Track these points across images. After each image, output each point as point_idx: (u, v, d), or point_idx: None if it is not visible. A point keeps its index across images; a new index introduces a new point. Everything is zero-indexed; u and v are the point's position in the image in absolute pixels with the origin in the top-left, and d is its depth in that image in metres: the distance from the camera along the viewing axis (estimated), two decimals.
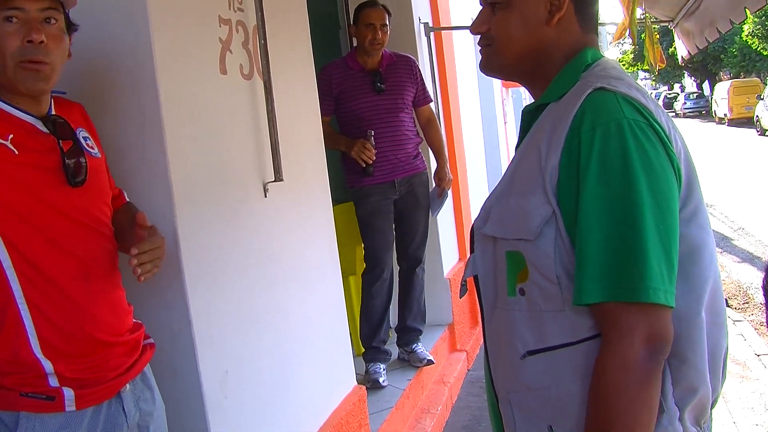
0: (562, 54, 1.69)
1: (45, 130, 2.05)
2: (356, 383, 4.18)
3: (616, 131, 1.46)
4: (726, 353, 1.67)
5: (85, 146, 2.16)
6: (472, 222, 1.79)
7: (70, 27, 2.14)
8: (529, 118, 1.75)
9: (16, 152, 1.93)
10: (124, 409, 2.19)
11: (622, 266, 1.43)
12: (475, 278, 1.76)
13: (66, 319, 2.02)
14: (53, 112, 2.12)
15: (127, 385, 2.21)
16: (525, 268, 1.58)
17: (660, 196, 1.45)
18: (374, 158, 4.83)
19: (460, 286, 1.90)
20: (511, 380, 1.64)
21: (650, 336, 1.42)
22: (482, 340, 1.80)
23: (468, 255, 1.82)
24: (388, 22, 5.05)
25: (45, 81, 2.02)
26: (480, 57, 1.79)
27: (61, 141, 2.06)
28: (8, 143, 1.93)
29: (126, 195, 2.43)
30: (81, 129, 2.20)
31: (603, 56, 1.71)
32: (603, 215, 1.44)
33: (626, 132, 1.46)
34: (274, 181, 3.23)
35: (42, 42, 1.97)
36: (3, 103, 1.99)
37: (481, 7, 1.76)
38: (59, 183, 2.03)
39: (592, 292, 1.44)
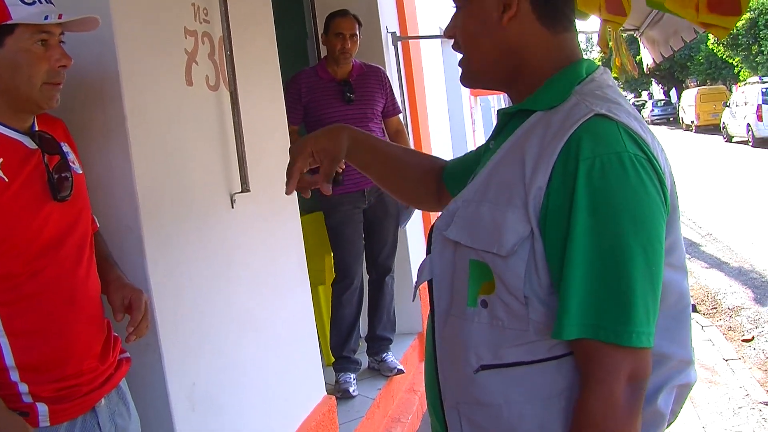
0: (539, 58, 1.61)
1: (31, 145, 2.08)
2: (326, 393, 4.17)
3: (617, 164, 1.40)
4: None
5: (68, 162, 2.18)
6: (433, 222, 1.71)
7: None
8: (507, 120, 1.68)
9: (6, 179, 1.96)
10: (99, 424, 2.19)
11: (608, 306, 1.39)
12: (429, 281, 1.68)
13: (48, 345, 2.04)
14: (36, 128, 2.15)
15: (102, 400, 2.21)
16: (491, 280, 1.51)
17: (653, 236, 1.42)
18: (344, 167, 4.83)
19: (413, 289, 1.84)
20: (462, 392, 1.59)
21: (632, 375, 1.40)
22: (427, 344, 1.73)
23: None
24: (358, 32, 5.06)
25: (58, 99, 2.13)
26: (459, 67, 1.72)
27: (46, 156, 2.09)
28: None
29: (97, 222, 2.43)
30: (63, 144, 2.22)
31: (598, 67, 1.65)
32: (594, 249, 1.39)
33: (627, 166, 1.40)
34: (241, 192, 3.23)
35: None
36: None
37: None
38: (45, 200, 2.06)
39: (574, 329, 1.40)
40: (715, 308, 7.97)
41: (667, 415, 1.57)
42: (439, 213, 1.72)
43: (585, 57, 1.67)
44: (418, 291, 1.81)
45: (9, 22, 1.97)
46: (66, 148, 2.22)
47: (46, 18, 2.00)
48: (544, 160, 1.45)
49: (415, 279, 5.92)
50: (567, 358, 1.47)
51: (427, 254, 1.71)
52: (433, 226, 1.70)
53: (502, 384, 1.52)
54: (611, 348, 1.39)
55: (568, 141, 1.44)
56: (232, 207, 3.23)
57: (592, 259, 1.39)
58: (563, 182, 1.42)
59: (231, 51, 3.18)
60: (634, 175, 1.40)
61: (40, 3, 2.02)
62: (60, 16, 2.03)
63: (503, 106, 1.74)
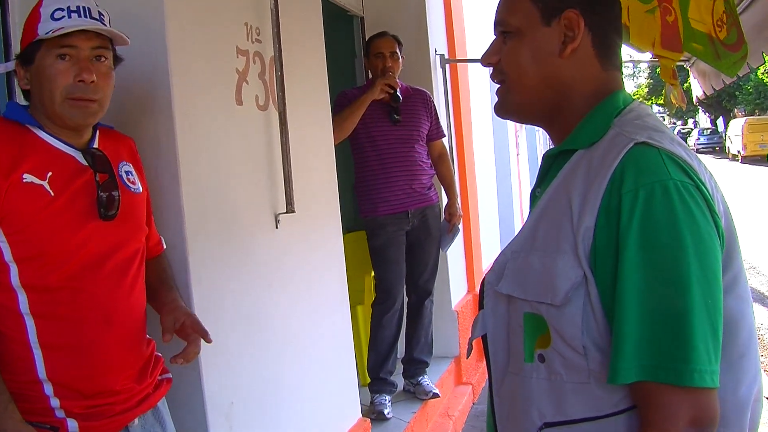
0: (584, 94, 1.56)
1: (84, 162, 2.08)
2: (361, 415, 4.16)
3: (661, 194, 1.33)
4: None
5: (126, 181, 2.19)
6: (484, 274, 1.65)
7: (117, 60, 2.19)
8: (550, 162, 1.62)
9: (52, 194, 1.97)
10: None
11: (666, 345, 1.31)
12: (484, 337, 1.62)
13: (80, 362, 2.03)
14: (95, 145, 2.15)
15: (136, 420, 2.18)
16: (546, 333, 1.44)
17: (707, 266, 1.33)
18: (398, 84, 4.92)
19: (467, 346, 1.78)
20: None
21: (695, 419, 1.30)
22: (488, 405, 1.66)
23: (478, 311, 1.67)
24: (398, 50, 5.10)
25: (93, 117, 2.11)
26: (496, 96, 1.66)
27: (98, 174, 2.08)
28: (46, 184, 1.97)
29: (164, 243, 2.45)
30: (125, 163, 2.23)
31: (634, 99, 1.59)
32: (645, 286, 1.32)
33: (673, 195, 1.33)
34: (286, 212, 3.23)
35: (93, 81, 2.05)
36: (46, 134, 2.05)
37: (494, 37, 1.65)
38: (90, 218, 2.06)
39: (630, 372, 1.32)
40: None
41: None
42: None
43: (631, 82, 1.60)
44: (472, 347, 1.77)
45: (36, 39, 2.00)
46: (128, 167, 2.23)
47: (47, 33, 1.99)
48: (591, 199, 1.40)
49: (454, 304, 5.92)
50: (634, 411, 1.39)
51: (479, 309, 1.66)
52: (483, 281, 1.64)
53: None
54: (670, 389, 1.30)
55: (611, 176, 1.39)
56: (276, 227, 3.24)
57: (643, 297, 1.32)
58: (608, 219, 1.37)
59: (281, 71, 3.20)
60: (680, 204, 1.33)
61: (69, 18, 2.02)
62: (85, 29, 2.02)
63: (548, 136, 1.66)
